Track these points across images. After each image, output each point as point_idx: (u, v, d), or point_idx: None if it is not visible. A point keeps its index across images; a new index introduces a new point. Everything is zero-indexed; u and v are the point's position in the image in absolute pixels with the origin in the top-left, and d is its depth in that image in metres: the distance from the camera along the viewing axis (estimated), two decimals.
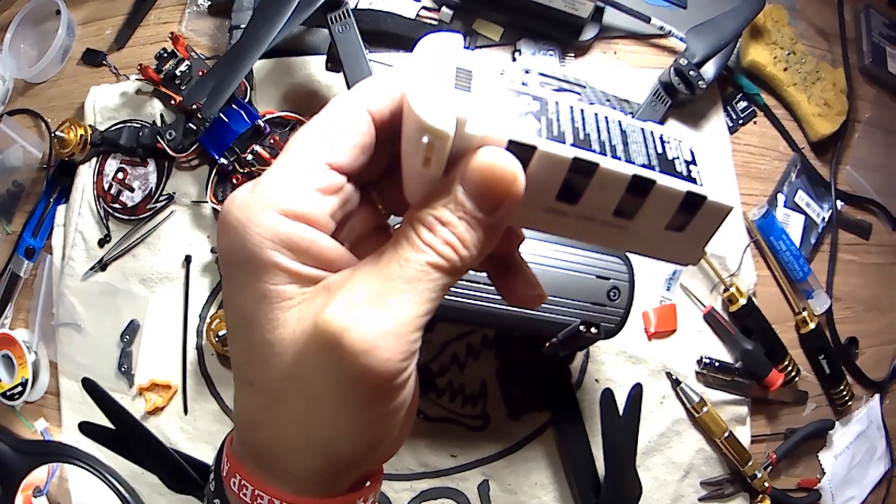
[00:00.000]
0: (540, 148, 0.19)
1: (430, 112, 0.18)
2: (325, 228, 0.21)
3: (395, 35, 0.67)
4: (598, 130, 0.21)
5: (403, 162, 0.21)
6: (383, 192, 0.25)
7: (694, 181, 0.21)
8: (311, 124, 0.21)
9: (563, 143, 0.20)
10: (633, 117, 0.22)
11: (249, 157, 0.63)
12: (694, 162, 0.21)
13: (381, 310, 0.19)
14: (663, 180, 0.20)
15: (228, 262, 0.21)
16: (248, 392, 0.22)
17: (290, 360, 0.20)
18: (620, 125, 0.21)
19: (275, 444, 0.21)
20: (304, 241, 0.20)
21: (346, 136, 0.21)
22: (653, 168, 0.20)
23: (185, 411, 0.64)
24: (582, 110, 0.21)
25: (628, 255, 0.54)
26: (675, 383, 0.65)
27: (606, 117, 0.21)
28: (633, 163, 0.20)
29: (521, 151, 0.19)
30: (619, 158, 0.20)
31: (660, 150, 0.21)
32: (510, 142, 0.19)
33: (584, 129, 0.21)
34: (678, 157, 0.21)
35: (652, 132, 0.22)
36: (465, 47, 0.21)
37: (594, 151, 0.20)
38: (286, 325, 0.20)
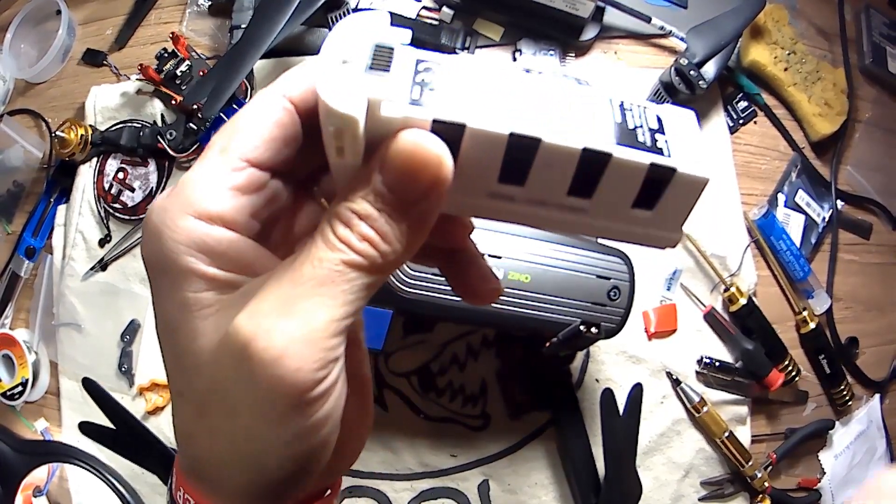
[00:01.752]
0: (469, 125, 0.17)
1: (335, 96, 0.16)
2: (245, 229, 0.20)
3: None
4: (543, 100, 0.18)
5: (326, 153, 0.19)
6: (326, 186, 0.24)
7: (660, 152, 0.18)
8: (231, 119, 0.20)
9: (499, 117, 0.17)
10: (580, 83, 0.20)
11: None
12: (661, 130, 0.19)
13: (290, 316, 0.17)
14: (621, 153, 0.18)
15: (150, 269, 0.20)
16: (180, 403, 0.20)
17: (210, 372, 0.19)
18: (570, 93, 0.19)
19: (207, 457, 0.20)
20: (220, 245, 0.19)
21: (264, 128, 0.19)
22: (608, 139, 0.18)
23: None
24: (526, 80, 0.19)
25: (628, 255, 0.54)
26: (676, 383, 0.65)
27: (554, 86, 0.19)
28: (584, 134, 0.18)
29: (450, 131, 0.17)
30: (567, 131, 0.18)
31: (619, 119, 0.19)
32: (434, 121, 0.17)
33: (527, 100, 0.18)
34: (641, 126, 0.19)
35: (610, 100, 0.19)
36: (392, 24, 0.19)
37: (536, 124, 0.18)
38: (205, 335, 0.19)
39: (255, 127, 0.19)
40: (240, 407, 0.18)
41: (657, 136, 0.19)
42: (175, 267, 0.19)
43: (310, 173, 0.23)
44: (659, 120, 0.19)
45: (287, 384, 0.17)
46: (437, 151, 0.17)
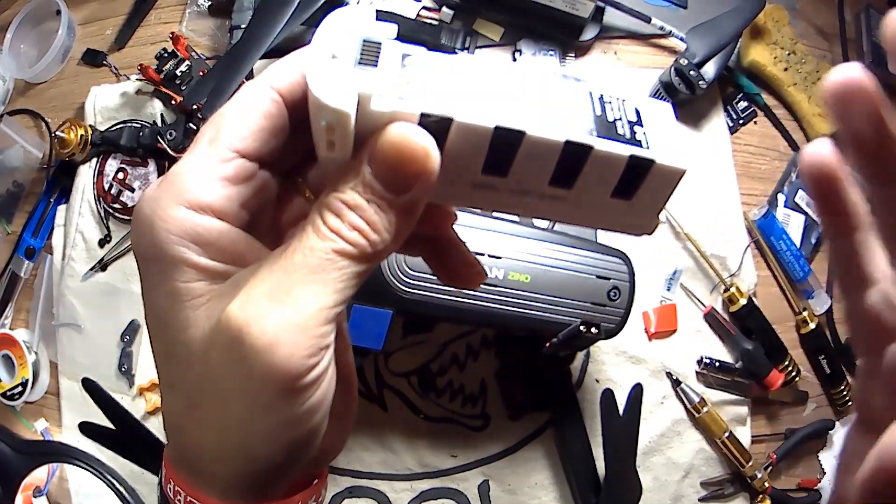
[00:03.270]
0: (456, 119, 0.18)
1: (327, 91, 0.17)
2: (235, 220, 0.20)
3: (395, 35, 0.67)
4: (525, 94, 0.19)
5: (315, 146, 0.20)
6: (311, 178, 0.24)
7: (639, 144, 0.19)
8: (220, 111, 0.20)
9: (484, 111, 0.18)
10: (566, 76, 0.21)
11: None
12: (639, 122, 0.19)
13: (283, 303, 0.17)
14: (602, 145, 0.18)
15: (141, 259, 0.20)
16: (171, 394, 0.21)
17: (202, 361, 0.19)
18: (550, 87, 0.19)
19: (197, 448, 0.20)
20: (211, 235, 0.19)
21: (252, 119, 0.20)
22: (589, 132, 0.19)
23: None
24: (508, 74, 0.19)
25: (628, 255, 0.54)
26: (676, 383, 0.65)
27: (535, 79, 0.19)
28: (567, 127, 0.18)
29: (437, 125, 0.18)
30: (550, 124, 0.18)
31: (598, 112, 0.19)
32: (422, 115, 0.18)
33: (509, 94, 0.19)
34: (620, 119, 0.19)
35: (590, 93, 0.20)
36: (377, 20, 0.19)
37: (519, 118, 0.18)
38: (196, 325, 0.19)
39: (244, 118, 0.20)
40: (231, 395, 0.18)
41: (636, 128, 0.19)
42: (166, 257, 0.19)
43: (295, 164, 0.23)
44: (637, 112, 0.20)
45: (279, 371, 0.17)
46: (425, 144, 0.18)
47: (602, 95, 0.20)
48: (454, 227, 0.25)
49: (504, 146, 0.18)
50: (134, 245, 0.20)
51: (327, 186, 0.19)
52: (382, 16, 0.67)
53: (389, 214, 0.19)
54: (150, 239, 0.19)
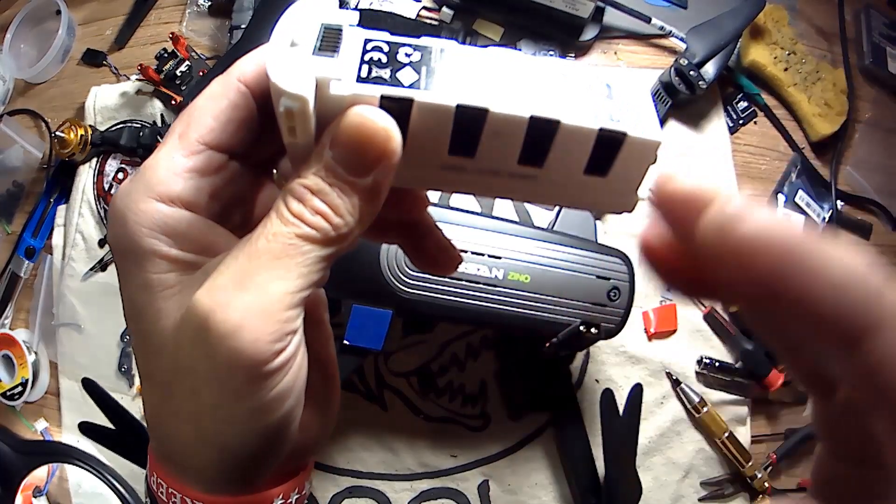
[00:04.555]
0: (417, 99, 0.18)
1: (284, 76, 0.17)
2: (205, 210, 0.20)
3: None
4: (489, 73, 0.19)
5: (280, 133, 0.20)
6: (284, 170, 0.24)
7: (609, 117, 0.18)
8: (190, 105, 0.20)
9: (446, 90, 0.18)
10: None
11: None
12: (609, 96, 0.19)
13: (247, 289, 0.18)
14: (570, 119, 0.18)
15: (116, 253, 0.20)
16: (148, 386, 0.21)
17: (174, 351, 0.19)
18: (516, 66, 0.19)
19: (174, 438, 0.20)
20: (181, 225, 0.19)
21: (219, 111, 0.20)
22: (556, 107, 0.18)
23: None
24: (470, 54, 0.19)
25: (628, 255, 0.54)
26: (676, 383, 0.65)
27: (499, 59, 0.19)
28: (532, 103, 0.18)
29: (398, 106, 0.18)
30: (514, 100, 0.18)
31: (565, 87, 0.19)
32: (382, 97, 0.18)
33: (473, 74, 0.18)
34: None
35: (558, 68, 0.19)
36: (340, 7, 0.19)
37: (482, 95, 0.18)
38: (169, 315, 0.19)
39: (211, 110, 0.20)
40: (201, 384, 0.18)
41: (606, 101, 0.19)
42: (138, 249, 0.19)
43: (269, 157, 0.23)
44: (608, 87, 0.19)
45: (245, 356, 0.17)
46: (385, 125, 0.18)
47: (570, 70, 0.19)
48: (430, 214, 0.25)
49: (468, 125, 0.18)
50: (109, 239, 0.20)
51: (292, 173, 0.19)
52: (384, 16, 0.67)
53: (353, 197, 0.19)
54: (123, 232, 0.19)
